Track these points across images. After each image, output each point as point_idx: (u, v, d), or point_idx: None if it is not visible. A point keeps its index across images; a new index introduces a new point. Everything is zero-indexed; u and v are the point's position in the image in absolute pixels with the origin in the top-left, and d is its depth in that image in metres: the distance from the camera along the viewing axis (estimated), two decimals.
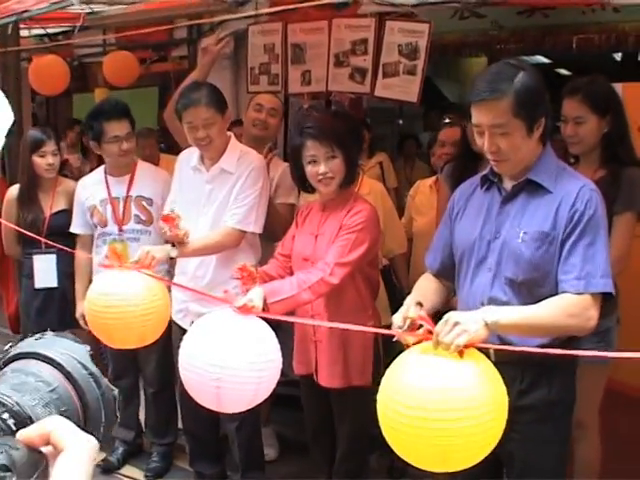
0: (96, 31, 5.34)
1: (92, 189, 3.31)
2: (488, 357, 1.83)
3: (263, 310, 2.13)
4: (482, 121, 1.82)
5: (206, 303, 2.87)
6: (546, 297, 1.78)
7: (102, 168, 3.39)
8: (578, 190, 1.82)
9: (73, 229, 3.37)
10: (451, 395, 1.47)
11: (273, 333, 2.02)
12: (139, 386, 3.57)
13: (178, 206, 2.94)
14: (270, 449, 3.51)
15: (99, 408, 0.77)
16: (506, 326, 1.70)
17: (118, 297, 2.23)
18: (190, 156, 2.98)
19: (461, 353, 1.56)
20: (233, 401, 1.92)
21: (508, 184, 1.93)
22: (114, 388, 0.82)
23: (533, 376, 1.91)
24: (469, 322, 1.60)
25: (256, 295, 2.16)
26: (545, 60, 7.80)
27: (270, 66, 4.74)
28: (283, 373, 3.54)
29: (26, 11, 3.02)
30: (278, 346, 2.01)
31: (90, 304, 2.31)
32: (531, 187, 1.89)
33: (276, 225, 2.98)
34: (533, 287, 1.85)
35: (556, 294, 1.79)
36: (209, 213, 2.89)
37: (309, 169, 2.50)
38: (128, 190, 3.27)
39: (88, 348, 0.83)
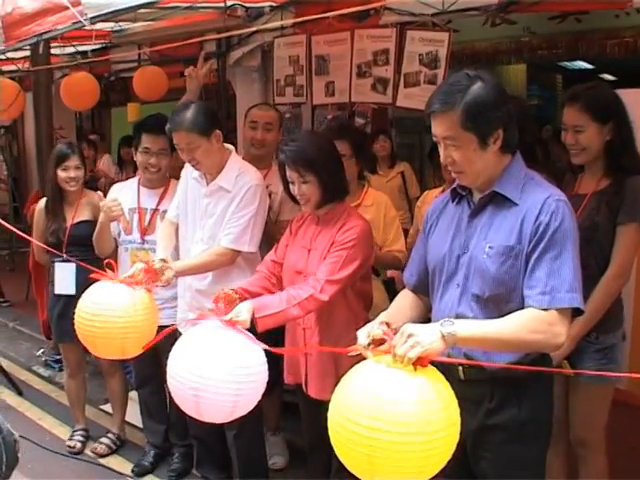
0: (131, 47, 5.51)
1: (123, 196, 3.34)
2: (457, 375, 1.80)
3: (251, 324, 2.15)
4: (436, 132, 1.78)
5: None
6: None
7: (137, 178, 3.47)
8: (543, 201, 1.73)
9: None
10: (386, 406, 1.41)
11: (259, 347, 2.02)
12: (163, 390, 3.64)
13: (180, 213, 3.01)
14: (279, 457, 3.52)
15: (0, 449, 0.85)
16: (465, 339, 1.61)
17: (104, 307, 2.28)
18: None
19: (415, 366, 1.50)
20: (211, 411, 1.92)
21: (477, 197, 1.88)
22: (14, 433, 0.91)
23: (502, 394, 1.84)
24: (423, 334, 1.54)
25: (244, 309, 2.16)
26: (587, 65, 7.62)
27: (295, 78, 4.79)
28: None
29: (47, 32, 3.13)
30: (263, 360, 2.01)
31: (79, 311, 2.36)
32: (497, 199, 1.81)
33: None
34: (500, 303, 1.77)
35: None
36: (205, 227, 2.92)
37: (290, 187, 2.56)
38: (158, 203, 3.34)
39: None
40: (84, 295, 2.39)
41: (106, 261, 2.49)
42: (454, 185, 1.95)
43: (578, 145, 2.39)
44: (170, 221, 3.11)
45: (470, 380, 1.81)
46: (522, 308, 1.72)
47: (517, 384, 1.81)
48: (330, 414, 1.55)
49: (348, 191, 2.64)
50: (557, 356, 2.15)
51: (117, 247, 3.46)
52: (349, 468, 1.51)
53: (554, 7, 4.02)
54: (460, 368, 1.83)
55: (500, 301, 1.77)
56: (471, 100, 1.72)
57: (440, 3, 3.87)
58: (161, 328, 3.19)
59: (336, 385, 2.36)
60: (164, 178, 3.36)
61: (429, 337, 1.54)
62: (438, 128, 1.77)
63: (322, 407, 2.59)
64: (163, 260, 2.63)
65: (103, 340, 2.32)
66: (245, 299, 2.31)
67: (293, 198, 2.61)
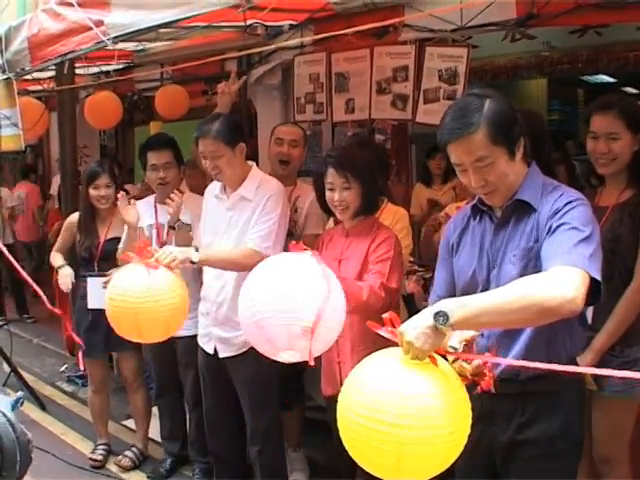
0: (153, 66, 5.59)
1: (143, 213, 3.45)
2: (489, 390, 1.75)
3: None
4: (463, 160, 1.76)
5: (228, 328, 2.98)
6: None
7: (154, 196, 3.57)
8: (556, 198, 1.76)
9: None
10: (411, 401, 1.38)
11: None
12: (182, 402, 3.67)
13: (204, 233, 3.06)
14: (300, 474, 3.51)
15: (14, 449, 0.89)
16: (463, 321, 1.44)
17: (122, 288, 2.40)
18: (214, 186, 3.08)
19: (434, 361, 1.44)
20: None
21: (499, 210, 1.88)
22: (27, 433, 0.95)
23: (534, 408, 1.82)
24: (415, 329, 1.42)
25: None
26: (610, 79, 7.57)
27: (315, 95, 4.81)
28: (312, 398, 3.59)
29: (71, 52, 3.21)
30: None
31: (117, 299, 2.42)
32: (520, 208, 1.82)
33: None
34: None
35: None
36: (230, 239, 2.95)
37: (328, 195, 2.60)
38: None
39: (11, 399, 0.97)
40: (116, 283, 2.51)
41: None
42: (474, 201, 1.95)
43: (610, 154, 2.37)
44: None
45: (501, 394, 1.75)
46: None
47: (548, 398, 1.80)
48: (344, 414, 1.48)
49: (378, 207, 2.72)
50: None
51: None
52: (370, 468, 1.47)
53: (574, 21, 4.01)
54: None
55: None
56: (492, 115, 1.74)
57: (459, 19, 3.88)
58: (180, 339, 3.31)
59: None
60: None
61: (420, 334, 1.42)
62: (464, 154, 1.75)
63: None
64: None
65: (121, 320, 2.45)
66: None
67: (326, 209, 2.66)
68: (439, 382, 1.43)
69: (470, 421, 1.46)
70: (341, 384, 2.58)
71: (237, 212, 2.95)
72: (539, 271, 1.65)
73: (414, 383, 1.41)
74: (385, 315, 1.50)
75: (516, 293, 1.50)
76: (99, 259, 3.66)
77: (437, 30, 4.06)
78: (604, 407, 2.34)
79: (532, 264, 1.75)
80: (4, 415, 0.90)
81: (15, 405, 0.97)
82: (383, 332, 1.49)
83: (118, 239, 3.59)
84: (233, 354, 3.01)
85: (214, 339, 3.05)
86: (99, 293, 3.61)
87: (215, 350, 3.07)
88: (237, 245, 2.92)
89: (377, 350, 2.02)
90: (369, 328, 2.45)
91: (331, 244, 2.71)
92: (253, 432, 3.10)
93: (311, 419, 3.60)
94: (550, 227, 1.71)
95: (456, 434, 1.42)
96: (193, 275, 3.20)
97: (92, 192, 3.64)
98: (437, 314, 1.44)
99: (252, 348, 2.93)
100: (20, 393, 1.09)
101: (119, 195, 3.29)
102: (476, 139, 1.72)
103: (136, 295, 2.38)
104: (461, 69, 3.99)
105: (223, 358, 3.05)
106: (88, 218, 3.69)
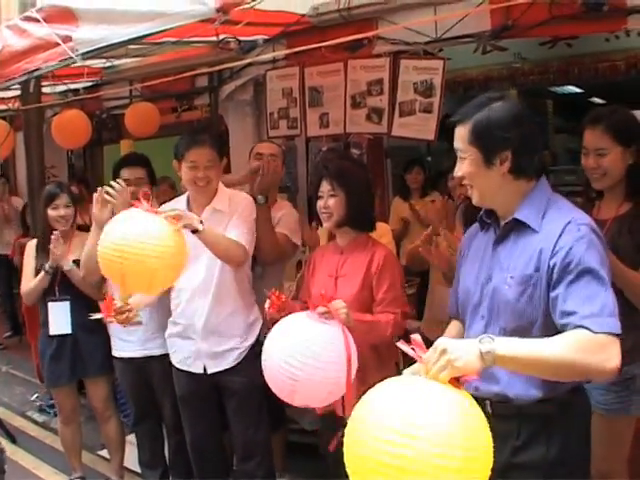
0: (122, 83, 5.48)
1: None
2: (484, 410, 1.71)
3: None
4: (456, 145, 1.81)
5: (216, 340, 2.94)
6: None
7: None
8: (563, 227, 1.67)
9: None
10: (420, 421, 1.29)
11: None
12: (161, 428, 3.55)
13: None
14: None
15: None
16: (505, 358, 1.47)
17: (138, 234, 2.26)
18: (175, 205, 2.93)
19: (452, 383, 1.40)
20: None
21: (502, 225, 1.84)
22: (3, 447, 0.85)
23: (530, 432, 1.75)
24: (458, 351, 1.42)
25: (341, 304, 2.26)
26: (577, 90, 7.67)
27: (289, 110, 4.75)
28: (296, 421, 3.49)
29: (37, 69, 3.09)
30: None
31: (104, 242, 2.32)
32: (519, 227, 1.77)
33: (269, 244, 3.09)
34: (523, 337, 1.64)
35: None
36: (202, 255, 2.86)
37: (317, 203, 2.63)
38: None
39: None
40: (107, 226, 2.40)
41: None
42: (481, 213, 1.92)
43: (600, 169, 2.34)
44: None
45: (498, 415, 1.70)
46: None
47: (546, 421, 1.73)
48: (355, 433, 1.39)
49: (374, 227, 2.70)
50: None
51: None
52: None
53: (547, 32, 4.02)
54: (488, 402, 1.76)
55: (523, 334, 1.67)
56: (481, 117, 1.74)
57: (433, 31, 3.86)
58: (152, 359, 3.22)
59: None
60: None
61: (464, 356, 1.43)
62: (456, 139, 1.80)
63: None
64: (126, 303, 2.64)
65: (134, 271, 2.28)
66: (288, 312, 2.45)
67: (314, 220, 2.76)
68: (455, 408, 1.36)
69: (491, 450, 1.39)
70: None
71: (210, 224, 2.86)
72: (537, 303, 1.68)
73: (427, 405, 1.34)
74: (414, 336, 1.49)
75: (564, 355, 1.52)
76: (59, 283, 3.52)
77: (412, 43, 4.05)
78: (601, 424, 2.28)
79: (529, 292, 1.71)
80: None
81: None
82: (408, 349, 1.47)
83: (78, 261, 3.48)
84: (226, 368, 2.95)
85: (203, 356, 2.97)
86: (61, 318, 3.52)
87: (204, 368, 2.98)
88: (210, 262, 2.89)
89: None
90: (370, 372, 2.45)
91: (324, 261, 2.71)
92: (251, 445, 3.03)
93: (293, 442, 3.50)
94: (561, 269, 1.65)
95: (469, 463, 1.32)
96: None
97: (51, 213, 3.52)
98: (483, 341, 1.48)
99: (244, 359, 2.96)
100: None
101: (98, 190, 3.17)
102: (461, 130, 1.77)
103: (125, 237, 2.26)
104: (437, 81, 3.97)
105: (213, 374, 2.97)
106: (47, 241, 3.50)
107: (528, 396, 1.72)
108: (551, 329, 1.65)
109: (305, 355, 2.11)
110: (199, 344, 2.98)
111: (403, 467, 1.27)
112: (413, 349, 1.46)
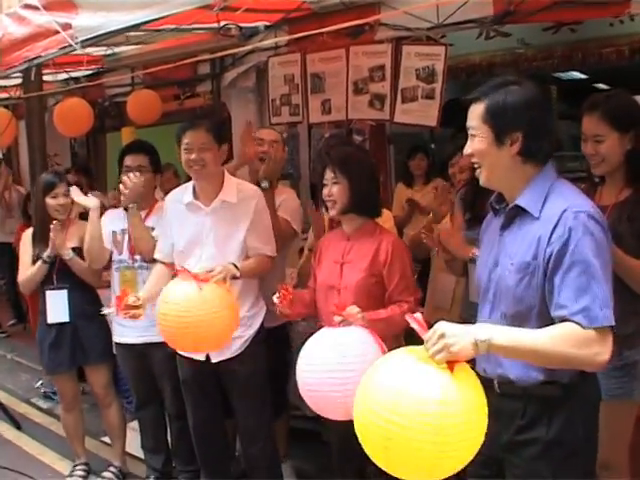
0: (123, 70, 5.47)
1: (116, 219, 3.42)
2: (492, 389, 1.76)
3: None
4: (469, 122, 1.82)
5: None
6: None
7: None
8: (560, 214, 1.68)
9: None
10: (405, 400, 1.44)
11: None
12: (163, 413, 3.57)
13: (177, 242, 2.98)
14: None
15: None
16: (499, 347, 1.55)
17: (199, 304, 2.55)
18: (181, 195, 2.99)
19: (451, 365, 1.49)
20: None
21: None
22: None
23: (534, 412, 1.78)
24: (456, 337, 1.50)
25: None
26: (581, 76, 7.60)
27: (291, 97, 4.74)
28: (299, 408, 3.51)
29: (37, 57, 3.08)
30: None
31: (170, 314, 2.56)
32: (522, 213, 1.78)
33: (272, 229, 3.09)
34: (522, 322, 1.71)
35: None
36: (211, 244, 2.90)
37: (323, 191, 2.65)
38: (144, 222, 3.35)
39: None
40: (168, 298, 2.61)
41: None
42: (491, 199, 1.94)
43: (598, 156, 2.32)
44: (161, 263, 3.10)
45: (504, 394, 1.78)
46: (540, 327, 1.64)
47: (550, 403, 1.75)
48: (362, 411, 1.54)
49: (380, 213, 2.71)
50: None
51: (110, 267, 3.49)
52: (369, 453, 1.53)
53: (550, 17, 3.99)
54: (495, 382, 1.81)
55: (522, 320, 1.71)
56: (498, 97, 1.75)
57: (435, 17, 3.83)
58: (152, 345, 3.24)
59: None
60: (149, 199, 3.40)
61: (460, 342, 1.50)
62: (468, 118, 1.81)
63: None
64: (137, 298, 2.78)
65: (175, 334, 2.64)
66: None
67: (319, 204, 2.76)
68: (444, 390, 1.46)
69: (480, 441, 1.49)
70: None
71: (220, 217, 2.89)
72: (535, 290, 1.70)
73: (416, 384, 1.47)
74: (417, 315, 1.60)
75: (555, 348, 1.59)
76: (57, 271, 3.52)
77: (413, 28, 4.02)
78: (604, 410, 2.27)
79: (527, 279, 1.73)
80: None
81: None
82: (416, 325, 1.56)
83: (75, 249, 3.49)
84: (229, 357, 2.95)
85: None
86: (59, 306, 3.52)
87: (207, 356, 2.97)
88: (219, 250, 2.90)
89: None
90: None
91: (331, 248, 2.72)
92: (255, 429, 3.05)
93: (296, 428, 3.52)
94: (556, 258, 1.67)
95: (447, 446, 1.44)
96: None
97: (50, 202, 3.51)
98: (481, 329, 1.55)
99: (248, 347, 2.96)
100: None
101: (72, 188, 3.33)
102: (476, 108, 1.78)
103: (189, 308, 2.53)
104: (439, 67, 3.95)
105: (217, 362, 2.97)
106: (44, 230, 3.49)
107: (529, 377, 1.75)
108: (549, 316, 1.68)
109: None
110: None
111: (389, 438, 1.45)
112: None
